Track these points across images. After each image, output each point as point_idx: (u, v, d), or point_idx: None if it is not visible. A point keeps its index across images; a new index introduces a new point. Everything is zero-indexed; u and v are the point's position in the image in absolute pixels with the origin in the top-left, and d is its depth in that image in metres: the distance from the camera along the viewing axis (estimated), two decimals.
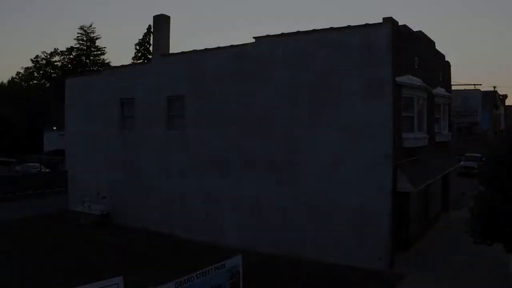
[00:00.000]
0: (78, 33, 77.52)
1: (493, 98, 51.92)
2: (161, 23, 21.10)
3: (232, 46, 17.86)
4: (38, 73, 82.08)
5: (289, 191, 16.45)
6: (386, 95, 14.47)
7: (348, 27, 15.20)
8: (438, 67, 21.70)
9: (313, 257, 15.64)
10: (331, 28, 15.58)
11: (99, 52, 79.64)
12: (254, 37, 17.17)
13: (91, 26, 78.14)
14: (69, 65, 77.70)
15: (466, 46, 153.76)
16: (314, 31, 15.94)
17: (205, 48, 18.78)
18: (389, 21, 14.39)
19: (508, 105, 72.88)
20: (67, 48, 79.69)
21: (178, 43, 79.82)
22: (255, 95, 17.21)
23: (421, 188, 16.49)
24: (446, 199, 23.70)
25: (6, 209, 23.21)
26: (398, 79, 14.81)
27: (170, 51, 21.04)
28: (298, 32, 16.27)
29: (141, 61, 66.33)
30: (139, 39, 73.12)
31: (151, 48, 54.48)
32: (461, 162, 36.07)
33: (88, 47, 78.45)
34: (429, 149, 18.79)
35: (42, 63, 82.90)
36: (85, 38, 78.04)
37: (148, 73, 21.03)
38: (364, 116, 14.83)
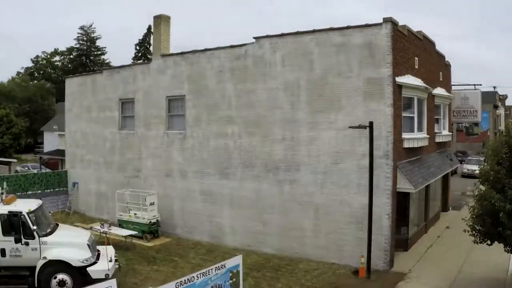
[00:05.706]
0: (78, 33, 77.54)
1: (493, 98, 51.94)
2: (161, 23, 21.11)
3: (232, 46, 17.88)
4: (38, 73, 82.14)
5: (289, 191, 16.47)
6: (386, 95, 14.48)
7: (348, 27, 15.20)
8: (438, 67, 21.70)
9: (313, 257, 15.68)
10: (331, 28, 15.58)
11: (100, 52, 79.64)
12: (254, 37, 17.20)
13: (91, 26, 78.18)
14: (69, 65, 77.73)
15: (466, 46, 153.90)
16: (314, 31, 15.93)
17: (205, 48, 18.79)
18: (389, 21, 14.39)
19: (508, 105, 72.85)
20: (68, 48, 79.81)
21: (178, 43, 79.70)
22: (255, 95, 17.22)
23: (421, 188, 16.50)
24: (446, 199, 23.74)
25: None
26: (398, 79, 14.81)
27: (170, 51, 21.06)
28: (298, 32, 16.28)
29: (141, 61, 66.38)
30: (139, 39, 73.31)
31: (151, 48, 54.79)
32: (464, 165, 36.23)
33: (88, 47, 78.43)
34: (429, 149, 18.80)
35: (42, 63, 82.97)
36: (85, 38, 78.01)
37: (148, 73, 21.03)
38: (364, 116, 14.83)
